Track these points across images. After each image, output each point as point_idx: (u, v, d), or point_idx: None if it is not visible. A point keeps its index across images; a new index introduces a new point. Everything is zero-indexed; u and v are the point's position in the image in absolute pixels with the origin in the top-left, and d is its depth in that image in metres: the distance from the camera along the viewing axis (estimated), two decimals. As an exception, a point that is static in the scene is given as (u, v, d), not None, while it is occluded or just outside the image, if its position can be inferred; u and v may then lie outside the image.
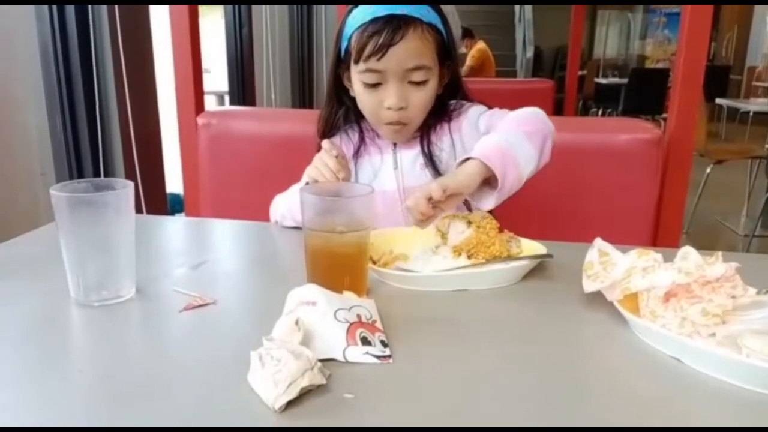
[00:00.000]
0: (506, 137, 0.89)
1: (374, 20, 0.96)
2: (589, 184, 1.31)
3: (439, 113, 1.07)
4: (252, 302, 0.79)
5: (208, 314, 0.71)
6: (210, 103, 3.74)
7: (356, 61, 0.99)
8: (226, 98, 3.70)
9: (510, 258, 0.82)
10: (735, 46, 9.37)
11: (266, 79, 3.65)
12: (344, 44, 1.01)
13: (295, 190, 1.05)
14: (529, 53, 8.76)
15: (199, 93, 1.50)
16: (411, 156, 1.07)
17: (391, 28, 0.95)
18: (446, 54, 1.03)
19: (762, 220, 3.52)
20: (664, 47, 9.70)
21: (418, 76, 0.99)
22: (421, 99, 1.01)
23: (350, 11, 1.01)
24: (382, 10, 0.96)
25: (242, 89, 3.51)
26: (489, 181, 0.86)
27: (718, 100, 5.37)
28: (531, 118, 0.96)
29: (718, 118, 6.95)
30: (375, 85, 0.99)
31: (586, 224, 1.29)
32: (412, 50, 0.96)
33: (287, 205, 1.06)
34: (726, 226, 3.81)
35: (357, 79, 1.01)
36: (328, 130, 1.10)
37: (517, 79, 6.48)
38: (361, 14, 0.98)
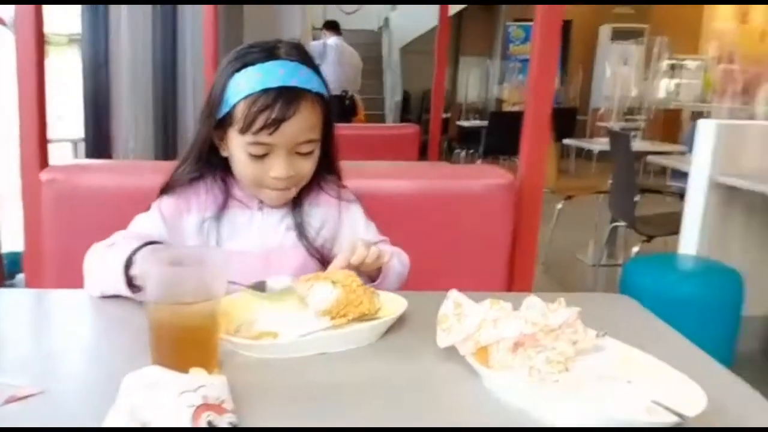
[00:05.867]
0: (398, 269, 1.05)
1: (265, 91, 0.92)
2: (447, 232, 1.36)
3: (316, 180, 1.06)
4: (88, 389, 0.70)
5: (34, 407, 0.63)
6: (64, 151, 3.46)
7: (242, 132, 0.94)
8: (82, 145, 3.45)
9: (371, 317, 0.82)
10: (581, 89, 10.38)
11: (126, 125, 3.45)
12: (225, 109, 0.96)
13: (117, 247, 0.91)
14: (397, 97, 9.12)
15: (43, 145, 1.37)
16: (278, 216, 1.06)
17: (284, 101, 0.92)
18: (329, 121, 1.03)
19: (608, 251, 3.86)
20: (520, 91, 10.52)
21: (306, 148, 0.98)
22: (308, 167, 1.01)
23: (231, 74, 0.96)
24: (273, 80, 0.93)
25: (99, 136, 3.29)
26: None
27: (566, 141, 5.88)
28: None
29: (569, 155, 7.62)
30: (261, 156, 0.96)
31: (446, 272, 1.32)
32: (304, 124, 0.95)
33: (105, 276, 0.89)
34: (577, 257, 4.13)
35: (241, 149, 0.97)
36: (180, 187, 1.04)
37: (385, 125, 6.73)
38: (249, 82, 0.93)
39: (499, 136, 6.19)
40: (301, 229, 1.04)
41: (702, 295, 2.23)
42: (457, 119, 8.51)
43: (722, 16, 10.29)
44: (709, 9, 10.25)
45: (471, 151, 7.30)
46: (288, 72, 0.94)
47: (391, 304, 0.85)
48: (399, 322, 0.84)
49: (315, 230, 1.05)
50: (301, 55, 0.98)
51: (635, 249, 3.07)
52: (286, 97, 0.92)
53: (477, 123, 7.63)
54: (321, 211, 1.07)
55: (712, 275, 2.34)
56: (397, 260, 1.05)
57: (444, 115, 4.50)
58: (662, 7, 10.06)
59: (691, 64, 9.68)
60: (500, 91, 10.50)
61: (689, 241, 2.64)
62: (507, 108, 9.44)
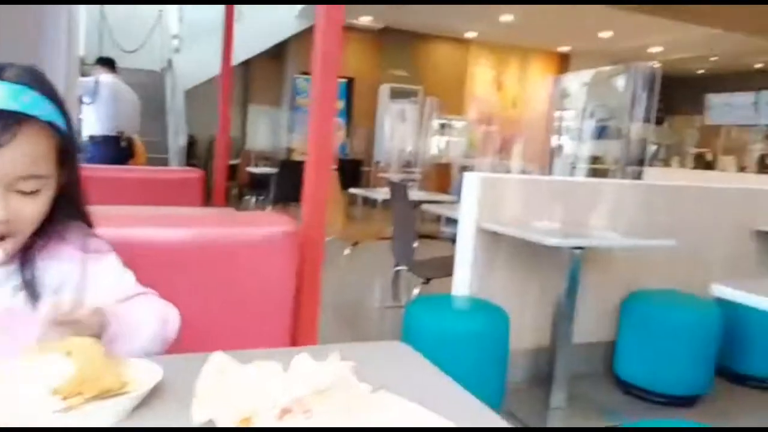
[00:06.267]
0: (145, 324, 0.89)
1: None
2: (226, 284, 1.26)
3: (54, 228, 0.89)
4: None
5: None
6: None
7: None
8: None
9: (116, 392, 0.68)
10: (365, 142, 10.99)
11: None
12: None
13: None
14: (182, 141, 8.70)
15: None
16: (1, 273, 0.86)
17: None
18: (67, 156, 0.86)
19: (392, 293, 4.03)
20: (309, 141, 10.77)
21: (29, 186, 0.81)
22: (32, 210, 0.82)
23: None
24: None
25: None
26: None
27: (353, 190, 6.13)
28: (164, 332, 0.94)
29: (355, 203, 7.95)
30: None
31: (227, 329, 1.23)
32: (26, 156, 0.78)
33: None
34: (364, 300, 4.25)
35: None
36: None
37: (167, 168, 6.33)
38: None
39: (288, 183, 6.23)
40: (32, 289, 0.86)
41: (475, 332, 2.40)
42: (247, 165, 8.39)
43: (481, 84, 11.80)
44: (470, 77, 11.70)
45: (261, 197, 7.22)
46: (8, 94, 0.78)
47: (143, 374, 0.73)
48: (153, 395, 0.72)
49: (51, 290, 0.87)
50: (35, 80, 0.83)
51: (416, 291, 3.23)
52: (2, 121, 0.76)
53: (267, 170, 7.60)
54: (60, 266, 0.89)
55: (482, 313, 2.53)
56: (150, 316, 0.91)
57: (234, 161, 4.38)
58: (433, 72, 11.22)
59: (457, 124, 10.90)
60: (290, 140, 10.66)
61: (461, 283, 2.84)
62: (297, 157, 9.58)
